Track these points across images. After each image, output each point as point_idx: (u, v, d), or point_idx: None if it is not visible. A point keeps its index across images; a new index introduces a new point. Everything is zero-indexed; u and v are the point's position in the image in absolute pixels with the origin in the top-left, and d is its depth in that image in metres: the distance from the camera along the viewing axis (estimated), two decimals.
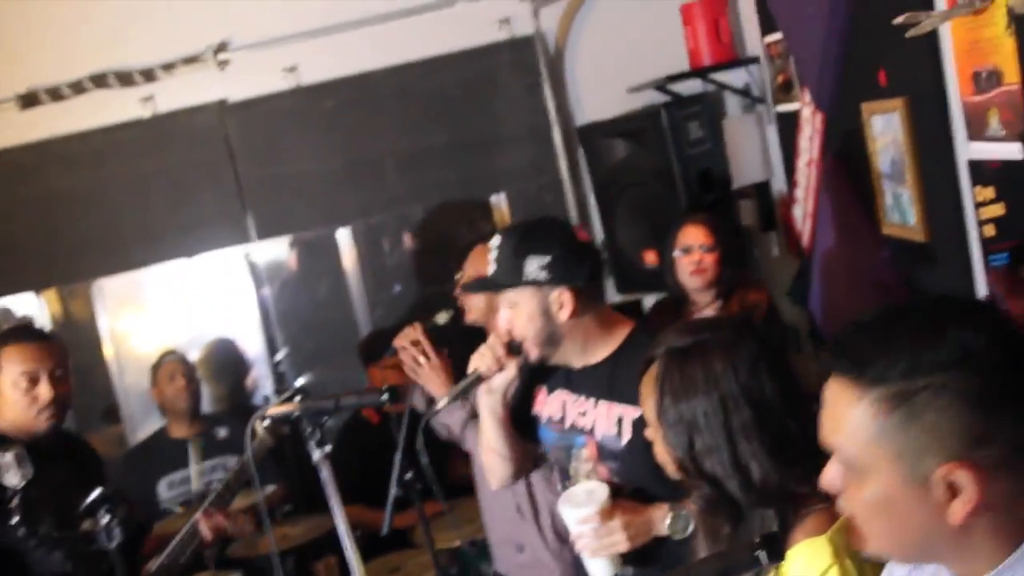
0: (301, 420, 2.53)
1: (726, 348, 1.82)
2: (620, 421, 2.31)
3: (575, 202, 5.15)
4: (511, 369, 2.43)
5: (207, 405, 4.85)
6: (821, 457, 1.34)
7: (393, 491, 2.58)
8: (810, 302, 3.99)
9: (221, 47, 4.99)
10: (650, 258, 4.47)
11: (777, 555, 1.48)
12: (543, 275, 2.31)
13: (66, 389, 3.07)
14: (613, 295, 5.06)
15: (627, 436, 2.29)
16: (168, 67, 4.98)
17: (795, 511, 1.74)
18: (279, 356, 5.15)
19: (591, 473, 2.40)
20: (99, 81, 4.95)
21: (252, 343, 5.18)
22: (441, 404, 2.50)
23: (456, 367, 2.97)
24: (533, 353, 2.39)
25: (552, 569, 3.02)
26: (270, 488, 4.13)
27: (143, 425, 4.95)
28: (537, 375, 2.55)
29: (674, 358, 1.84)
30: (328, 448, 2.50)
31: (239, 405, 5.07)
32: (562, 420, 2.49)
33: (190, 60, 4.99)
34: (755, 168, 4.50)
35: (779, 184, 4.61)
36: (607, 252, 5.02)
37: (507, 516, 3.10)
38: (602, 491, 2.26)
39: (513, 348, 2.40)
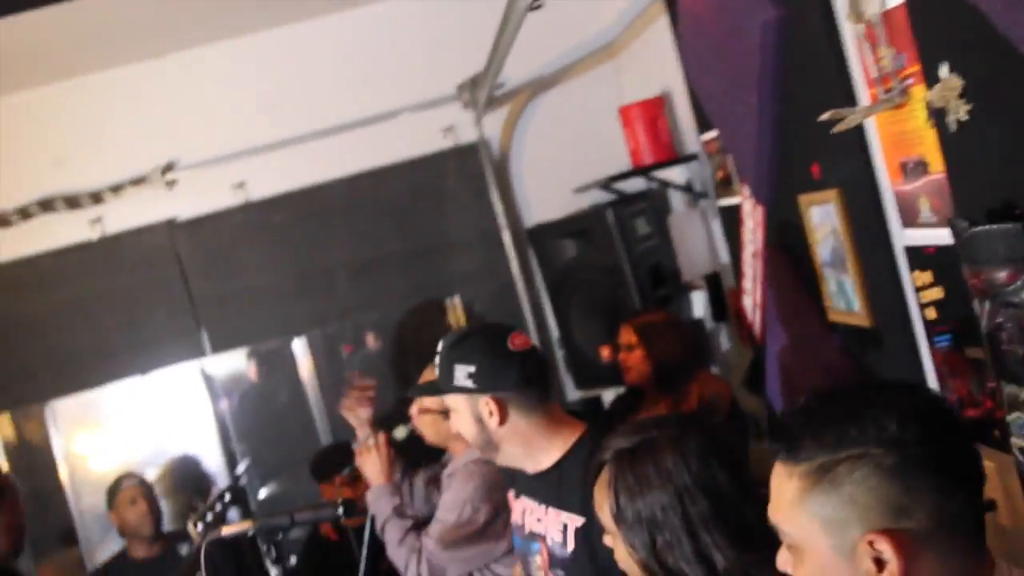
0: (256, 538, 2.51)
1: (674, 442, 1.83)
2: (565, 529, 2.28)
3: (529, 302, 5.19)
4: None
5: (167, 522, 4.76)
6: (779, 542, 1.38)
7: None
8: (767, 391, 4.01)
9: (168, 167, 5.03)
10: (606, 354, 4.49)
11: None
12: (469, 383, 2.33)
13: (20, 521, 3.00)
14: (572, 391, 5.09)
15: (571, 545, 2.25)
16: (116, 189, 5.01)
17: None
18: (240, 469, 5.09)
19: None
20: (46, 205, 4.96)
21: (211, 457, 5.13)
22: None
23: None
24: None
25: None
26: None
27: (101, 547, 4.87)
28: (510, 480, 2.55)
29: (624, 459, 1.85)
30: (293, 561, 2.50)
31: None
32: (522, 526, 2.47)
33: (138, 181, 5.03)
34: (703, 261, 4.54)
35: (729, 276, 4.67)
36: (564, 350, 5.04)
37: None
38: None
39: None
